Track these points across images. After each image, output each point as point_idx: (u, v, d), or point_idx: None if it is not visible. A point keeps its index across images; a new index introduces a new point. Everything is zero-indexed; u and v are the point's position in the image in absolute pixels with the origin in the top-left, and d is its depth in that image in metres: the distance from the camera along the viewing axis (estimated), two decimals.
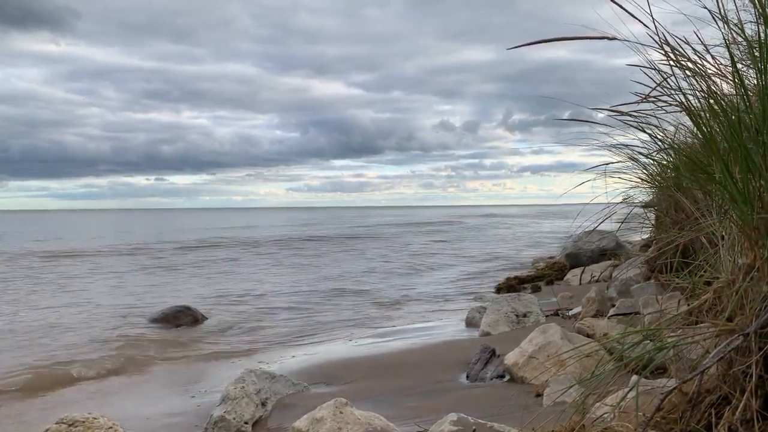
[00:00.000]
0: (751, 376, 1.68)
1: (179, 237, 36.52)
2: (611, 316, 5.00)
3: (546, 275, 11.23)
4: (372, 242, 30.98)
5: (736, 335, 1.72)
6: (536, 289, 9.81)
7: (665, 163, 4.22)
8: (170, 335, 8.86)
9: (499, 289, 10.92)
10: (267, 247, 28.28)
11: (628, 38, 1.92)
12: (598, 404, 2.15)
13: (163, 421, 4.84)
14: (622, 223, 4.70)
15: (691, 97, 2.00)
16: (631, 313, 4.67)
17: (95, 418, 3.40)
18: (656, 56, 2.04)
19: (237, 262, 21.30)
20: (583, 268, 10.11)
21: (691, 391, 1.81)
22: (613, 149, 4.44)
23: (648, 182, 4.90)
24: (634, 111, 2.44)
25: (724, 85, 2.02)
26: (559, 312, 6.95)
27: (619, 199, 4.85)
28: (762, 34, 1.74)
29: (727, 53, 1.89)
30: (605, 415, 2.09)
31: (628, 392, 1.98)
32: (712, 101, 1.92)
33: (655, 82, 2.12)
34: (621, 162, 4.54)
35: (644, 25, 1.91)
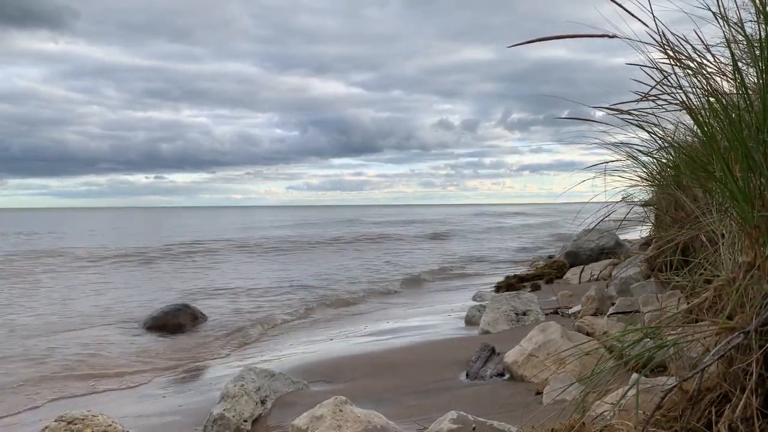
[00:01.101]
0: (752, 374, 1.68)
1: (176, 238, 36.50)
2: (611, 314, 5.00)
3: (546, 274, 11.23)
4: (377, 244, 30.98)
5: (737, 333, 1.72)
6: (536, 288, 9.81)
7: (665, 161, 4.22)
8: (169, 333, 8.87)
9: (498, 288, 10.92)
10: (263, 247, 28.27)
11: (628, 36, 1.92)
12: (598, 402, 2.15)
13: (163, 419, 4.84)
14: (622, 221, 4.70)
15: (691, 96, 2.00)
16: (630, 312, 4.67)
17: (94, 416, 3.40)
18: (656, 55, 2.04)
19: (235, 262, 21.30)
20: (582, 266, 10.11)
21: (691, 389, 1.82)
22: (613, 148, 4.43)
23: (648, 180, 4.89)
24: (634, 109, 2.44)
25: (725, 84, 2.02)
26: (558, 310, 6.95)
27: (619, 197, 4.84)
28: (762, 33, 1.74)
29: (728, 52, 1.89)
30: (605, 414, 2.09)
31: (628, 390, 1.98)
32: (712, 99, 1.92)
33: (655, 80, 2.12)
34: (621, 160, 4.54)
35: (644, 23, 1.91)
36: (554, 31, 1.93)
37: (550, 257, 14.68)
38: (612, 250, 10.43)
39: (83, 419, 3.35)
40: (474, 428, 2.67)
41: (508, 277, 11.90)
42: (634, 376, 2.02)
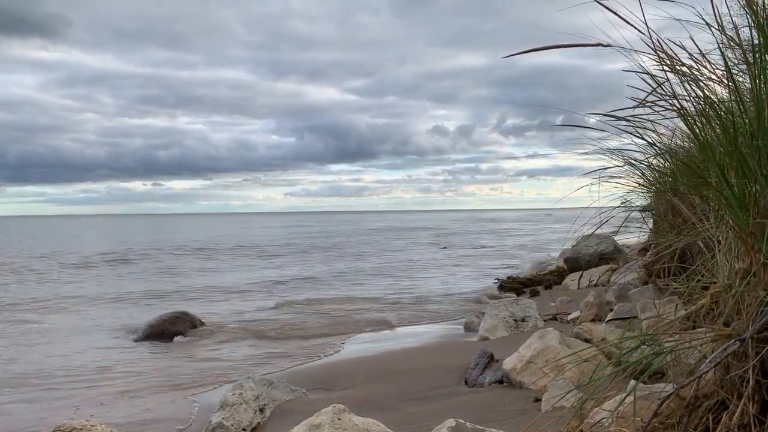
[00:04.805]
0: (748, 380, 1.67)
1: (175, 242, 36.45)
2: (609, 320, 4.99)
3: (545, 279, 11.24)
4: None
5: (733, 340, 1.72)
6: (535, 294, 9.81)
7: (661, 168, 4.22)
8: (168, 341, 8.84)
9: (501, 286, 10.95)
10: (259, 252, 28.26)
11: (620, 43, 1.92)
12: (596, 409, 2.14)
13: (162, 428, 4.82)
14: (620, 227, 4.70)
15: (686, 103, 2.00)
16: (629, 318, 4.66)
17: (93, 426, 3.39)
18: (649, 61, 2.04)
19: (233, 267, 21.28)
20: (581, 272, 10.10)
21: (688, 395, 1.81)
22: (609, 154, 4.43)
23: (645, 186, 4.89)
24: (630, 116, 2.44)
25: (719, 90, 2.02)
26: (557, 316, 6.95)
27: (617, 203, 4.83)
28: (756, 39, 1.75)
29: (722, 58, 1.89)
30: (603, 420, 2.09)
31: (625, 397, 1.98)
32: (707, 106, 1.92)
33: (650, 86, 2.12)
34: (618, 166, 4.53)
35: (638, 30, 1.91)
36: (545, 38, 1.94)
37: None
38: (611, 256, 10.42)
39: (81, 429, 3.34)
40: None
41: (509, 277, 11.97)
42: (632, 382, 2.01)
